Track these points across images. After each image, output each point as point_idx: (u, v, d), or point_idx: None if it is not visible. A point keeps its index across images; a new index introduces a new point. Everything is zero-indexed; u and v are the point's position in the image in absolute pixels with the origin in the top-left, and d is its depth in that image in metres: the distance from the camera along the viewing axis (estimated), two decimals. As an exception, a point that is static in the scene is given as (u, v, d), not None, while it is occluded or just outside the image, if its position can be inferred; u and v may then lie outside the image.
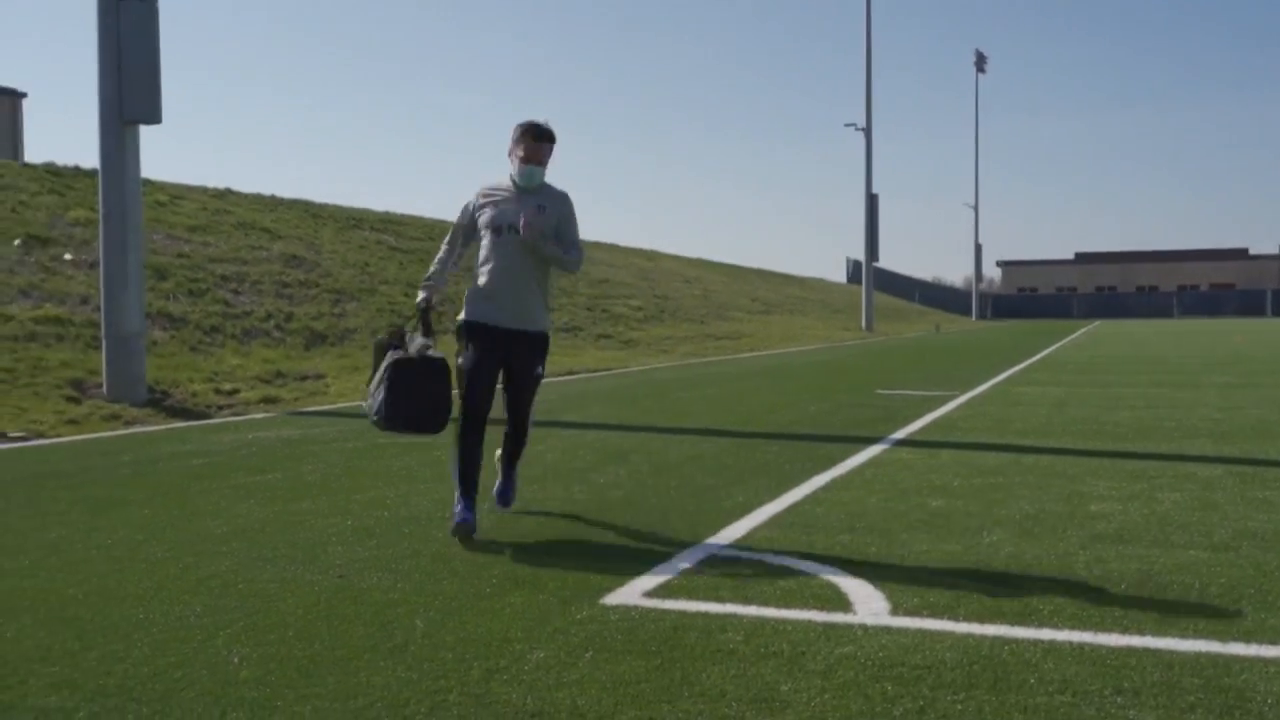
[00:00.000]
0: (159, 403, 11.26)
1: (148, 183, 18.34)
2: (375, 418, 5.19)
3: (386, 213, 28.80)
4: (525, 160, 5.11)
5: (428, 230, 27.98)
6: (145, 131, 11.62)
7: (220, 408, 11.34)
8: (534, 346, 5.33)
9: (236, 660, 3.41)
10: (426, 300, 5.34)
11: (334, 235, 23.24)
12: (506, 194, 5.17)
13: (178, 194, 21.35)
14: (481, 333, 5.20)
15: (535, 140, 5.10)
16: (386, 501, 6.05)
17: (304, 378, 13.86)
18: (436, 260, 5.46)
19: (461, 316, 5.26)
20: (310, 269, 19.86)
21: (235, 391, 12.25)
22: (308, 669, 3.35)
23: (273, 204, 24.14)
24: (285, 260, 19.69)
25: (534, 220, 5.04)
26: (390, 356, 5.14)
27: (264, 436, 9.07)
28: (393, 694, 3.14)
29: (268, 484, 6.67)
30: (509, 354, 5.25)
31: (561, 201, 5.25)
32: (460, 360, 5.21)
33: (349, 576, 4.44)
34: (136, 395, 11.24)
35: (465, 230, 5.33)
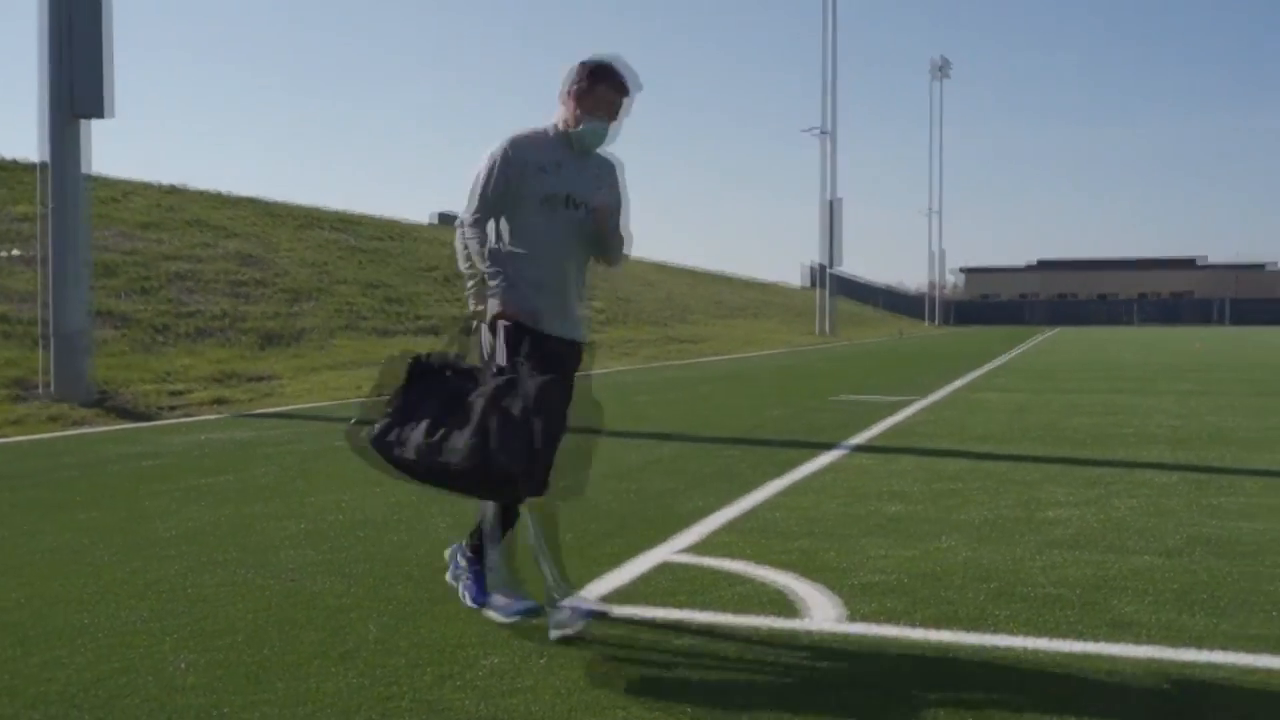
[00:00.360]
0: (106, 403, 11.06)
1: (96, 178, 18.05)
2: (427, 462, 3.57)
3: (343, 211, 28.58)
4: (593, 113, 3.79)
5: (385, 229, 27.81)
6: (94, 125, 11.42)
7: (170, 409, 11.16)
8: (578, 362, 4.04)
9: (183, 666, 3.34)
10: (517, 311, 3.74)
11: (289, 233, 23.02)
12: (559, 154, 3.83)
13: (128, 190, 21.05)
14: (532, 342, 3.76)
15: (617, 91, 3.81)
16: (340, 505, 5.96)
17: (257, 379, 13.68)
18: (475, 248, 3.82)
19: (495, 311, 3.76)
20: (265, 267, 19.64)
21: (185, 392, 12.07)
22: (256, 675, 3.28)
23: (226, 201, 23.87)
24: (239, 258, 19.46)
25: (609, 198, 3.89)
26: (487, 382, 3.57)
27: (215, 438, 8.93)
28: (343, 701, 3.08)
29: (218, 486, 6.55)
30: (559, 370, 3.79)
31: (616, 171, 4.03)
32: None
33: (300, 581, 4.36)
34: (83, 395, 11.03)
35: (506, 198, 3.80)
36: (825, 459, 7.66)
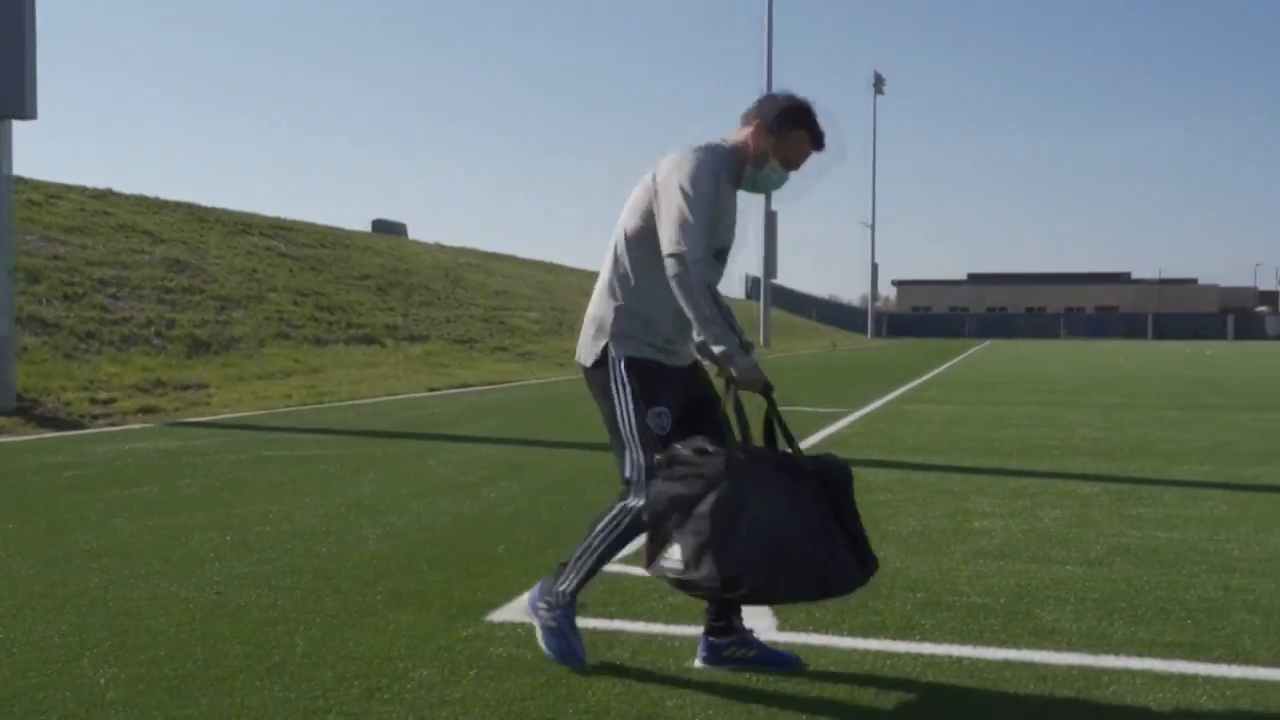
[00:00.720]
0: (28, 411, 10.78)
1: (20, 180, 17.61)
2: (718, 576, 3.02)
3: (276, 218, 28.17)
4: (784, 158, 3.37)
5: (319, 236, 27.47)
6: (17, 126, 11.15)
7: (95, 417, 10.90)
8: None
9: (103, 681, 3.26)
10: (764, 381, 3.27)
11: (220, 240, 22.63)
12: (731, 195, 3.42)
13: (53, 193, 20.54)
14: (671, 378, 3.36)
15: (814, 145, 3.38)
16: (269, 516, 5.87)
17: (185, 387, 13.43)
18: (708, 298, 3.18)
19: (631, 353, 3.33)
20: (194, 274, 19.30)
21: (111, 401, 11.80)
22: (179, 689, 3.22)
23: (156, 206, 23.40)
24: (168, 265, 19.09)
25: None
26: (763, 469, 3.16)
27: (141, 448, 8.75)
28: (268, 714, 3.04)
29: (143, 497, 6.42)
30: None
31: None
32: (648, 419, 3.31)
33: (226, 593, 4.29)
34: (4, 403, 10.74)
35: None
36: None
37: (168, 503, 6.24)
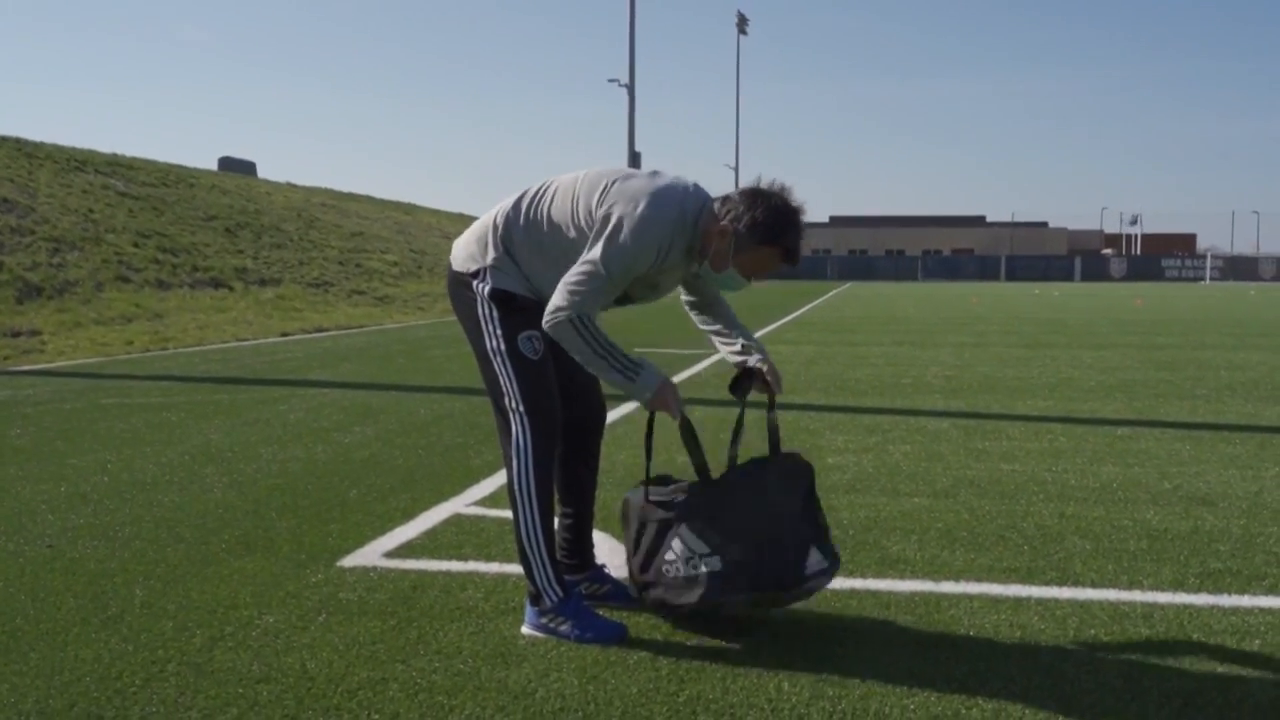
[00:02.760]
0: None
1: None
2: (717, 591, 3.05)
3: (114, 154, 26.73)
4: (743, 269, 3.07)
5: (161, 175, 26.20)
6: None
7: (-84, 365, 10.21)
8: None
9: (-82, 642, 3.06)
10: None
11: (52, 178, 21.34)
12: (674, 268, 3.14)
13: None
14: (535, 310, 3.12)
15: (785, 262, 3.08)
16: (107, 466, 5.60)
17: (15, 334, 12.69)
18: (586, 340, 3.02)
19: (501, 285, 3.15)
20: (24, 214, 18.17)
21: (-65, 348, 11.07)
22: (6, 646, 3.06)
23: (-19, 142, 21.92)
24: (-4, 204, 17.94)
25: None
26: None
27: (-33, 396, 8.23)
28: (104, 666, 2.91)
29: (-32, 448, 6.04)
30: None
31: None
32: (518, 343, 3.14)
33: (59, 546, 4.08)
34: None
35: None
36: (620, 411, 7.73)
37: (-5, 454, 5.89)
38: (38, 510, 4.64)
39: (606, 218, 2.98)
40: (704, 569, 3.04)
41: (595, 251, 2.96)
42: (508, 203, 3.22)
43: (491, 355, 3.14)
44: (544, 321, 3.01)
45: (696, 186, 3.12)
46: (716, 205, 3.06)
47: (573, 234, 3.06)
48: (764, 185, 3.07)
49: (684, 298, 3.46)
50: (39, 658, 2.98)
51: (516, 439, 3.12)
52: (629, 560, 3.23)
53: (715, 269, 3.07)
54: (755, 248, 3.01)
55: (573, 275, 2.98)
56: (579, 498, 3.40)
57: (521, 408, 3.11)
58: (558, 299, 2.98)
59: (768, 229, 2.99)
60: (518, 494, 3.12)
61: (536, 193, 3.19)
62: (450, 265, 3.29)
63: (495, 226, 3.18)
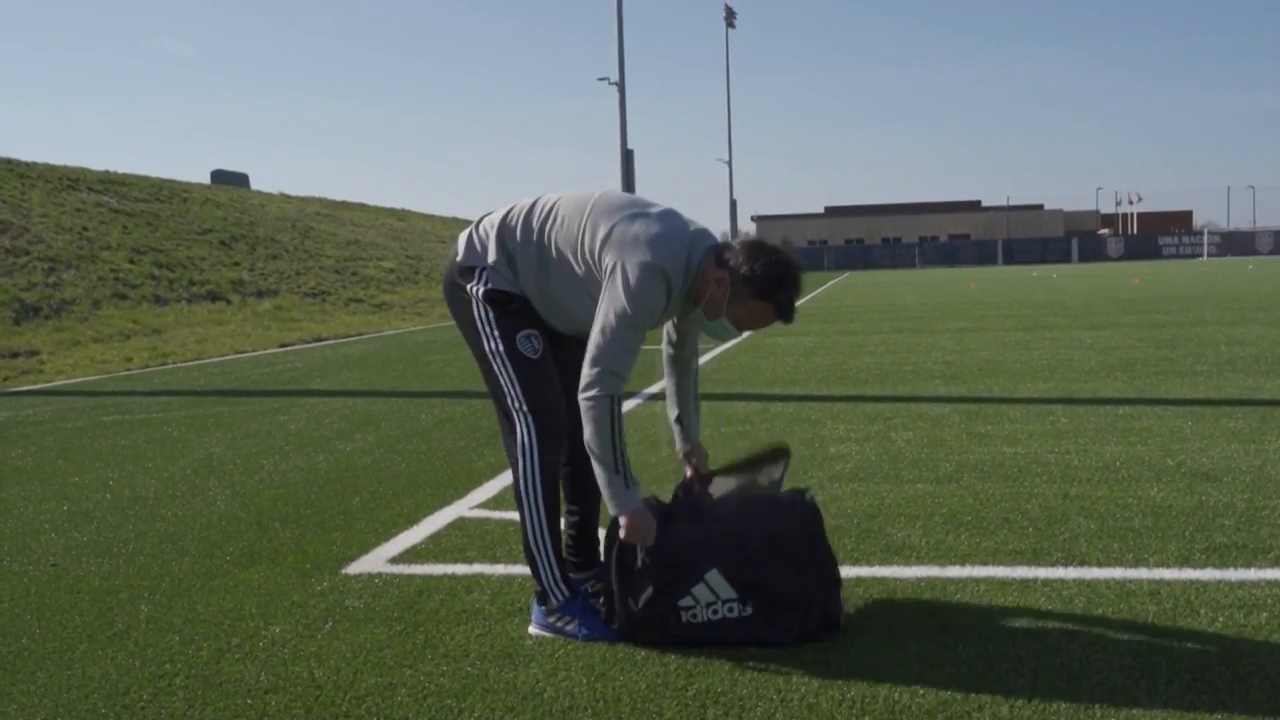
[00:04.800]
0: None
1: None
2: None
3: (107, 171, 26.72)
4: (737, 320, 3.05)
5: (154, 190, 26.19)
6: None
7: (-84, 390, 10.21)
8: None
9: (-76, 664, 3.06)
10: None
11: (45, 197, 21.34)
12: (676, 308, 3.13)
13: None
14: (531, 311, 3.18)
15: (780, 320, 3.05)
16: (109, 483, 5.60)
17: (13, 355, 12.69)
18: (611, 438, 2.99)
19: (497, 286, 3.12)
20: (18, 235, 18.17)
21: (-66, 371, 11.07)
22: (13, 665, 3.05)
23: (-28, 164, 21.91)
24: (-9, 226, 17.93)
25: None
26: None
27: (-32, 419, 8.23)
28: (111, 683, 2.90)
29: (-30, 470, 6.04)
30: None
31: None
32: (517, 343, 3.13)
33: (63, 564, 4.08)
34: None
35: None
36: (623, 407, 7.74)
37: (-3, 474, 5.89)
38: (41, 529, 4.64)
39: (615, 268, 2.92)
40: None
41: (615, 308, 2.90)
42: (518, 211, 3.17)
43: (490, 357, 3.13)
44: (584, 400, 2.93)
45: (701, 230, 3.10)
46: (717, 253, 3.03)
47: (580, 270, 3.04)
48: (767, 240, 3.05)
49: (666, 349, 3.38)
50: (46, 676, 2.98)
51: (522, 439, 3.10)
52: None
53: (708, 316, 3.05)
54: (750, 300, 2.98)
55: (603, 342, 2.91)
56: (584, 496, 3.39)
57: (525, 408, 3.10)
58: (594, 372, 2.91)
59: (765, 283, 2.96)
60: (524, 494, 3.11)
61: (547, 213, 3.13)
62: (454, 255, 3.21)
63: (503, 233, 3.14)
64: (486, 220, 3.22)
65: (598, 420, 2.92)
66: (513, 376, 3.10)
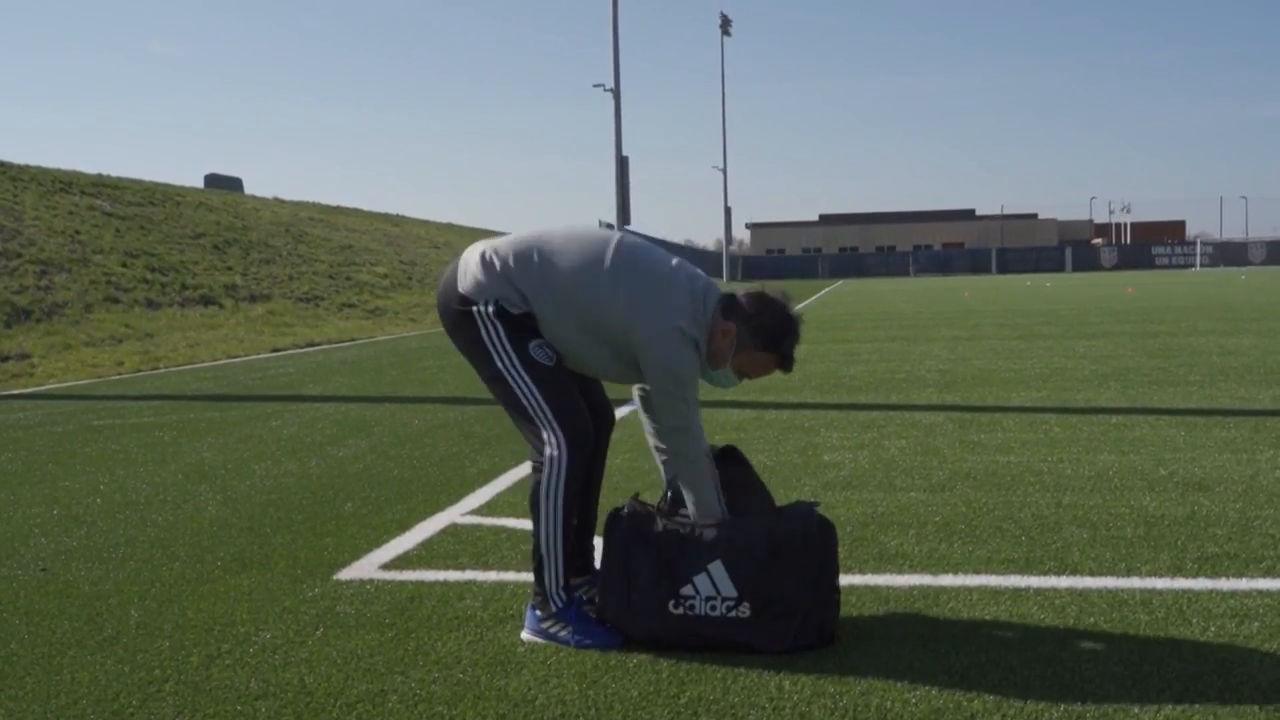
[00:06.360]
0: None
1: None
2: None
3: (100, 175, 26.67)
4: (740, 368, 3.18)
5: (147, 194, 26.14)
6: None
7: (-94, 393, 10.17)
8: None
9: (-88, 669, 3.04)
10: None
11: (37, 200, 21.27)
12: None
13: None
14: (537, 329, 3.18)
15: (780, 369, 3.19)
16: (100, 487, 5.58)
17: (4, 358, 12.64)
18: (711, 488, 3.15)
19: (502, 306, 3.12)
20: (9, 237, 18.12)
21: (-75, 374, 11.03)
22: (1, 671, 3.05)
23: (-36, 166, 21.85)
24: (-17, 229, 17.88)
25: None
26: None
27: (-42, 422, 8.19)
28: (100, 688, 2.88)
29: (-40, 473, 6.01)
30: None
31: None
32: (530, 352, 3.14)
33: (53, 569, 4.06)
34: None
35: None
36: (616, 414, 7.73)
37: (-13, 478, 5.86)
38: (30, 533, 4.62)
39: (650, 343, 3.02)
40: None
41: (666, 380, 3.03)
42: (518, 249, 3.12)
43: (506, 373, 3.10)
44: (680, 461, 3.10)
45: (708, 283, 3.17)
46: (723, 305, 3.13)
47: (597, 321, 3.08)
48: (769, 292, 3.17)
49: (650, 440, 3.43)
50: (35, 682, 2.96)
51: (552, 450, 3.08)
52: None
53: (712, 366, 3.15)
54: (755, 351, 3.11)
55: (669, 407, 3.06)
56: (586, 500, 3.38)
57: (551, 417, 3.08)
58: (671, 415, 3.06)
59: (771, 335, 3.10)
60: (545, 499, 3.10)
61: (557, 259, 3.09)
62: (453, 286, 3.15)
63: (509, 274, 3.09)
64: (488, 253, 3.14)
65: (690, 470, 3.09)
66: (533, 389, 3.09)
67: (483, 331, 3.10)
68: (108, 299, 17.25)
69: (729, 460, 3.26)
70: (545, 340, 3.12)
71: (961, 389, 8.79)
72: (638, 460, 5.77)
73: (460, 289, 3.14)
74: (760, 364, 3.15)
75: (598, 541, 3.33)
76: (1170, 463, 5.44)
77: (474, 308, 3.10)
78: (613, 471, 5.60)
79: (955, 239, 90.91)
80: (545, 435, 3.09)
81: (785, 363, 3.15)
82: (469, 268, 3.16)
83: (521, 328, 3.11)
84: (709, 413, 7.59)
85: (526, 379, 3.09)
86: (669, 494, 3.28)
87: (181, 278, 19.98)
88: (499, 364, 3.10)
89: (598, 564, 3.50)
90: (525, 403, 3.10)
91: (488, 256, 3.15)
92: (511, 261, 3.12)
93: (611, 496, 4.77)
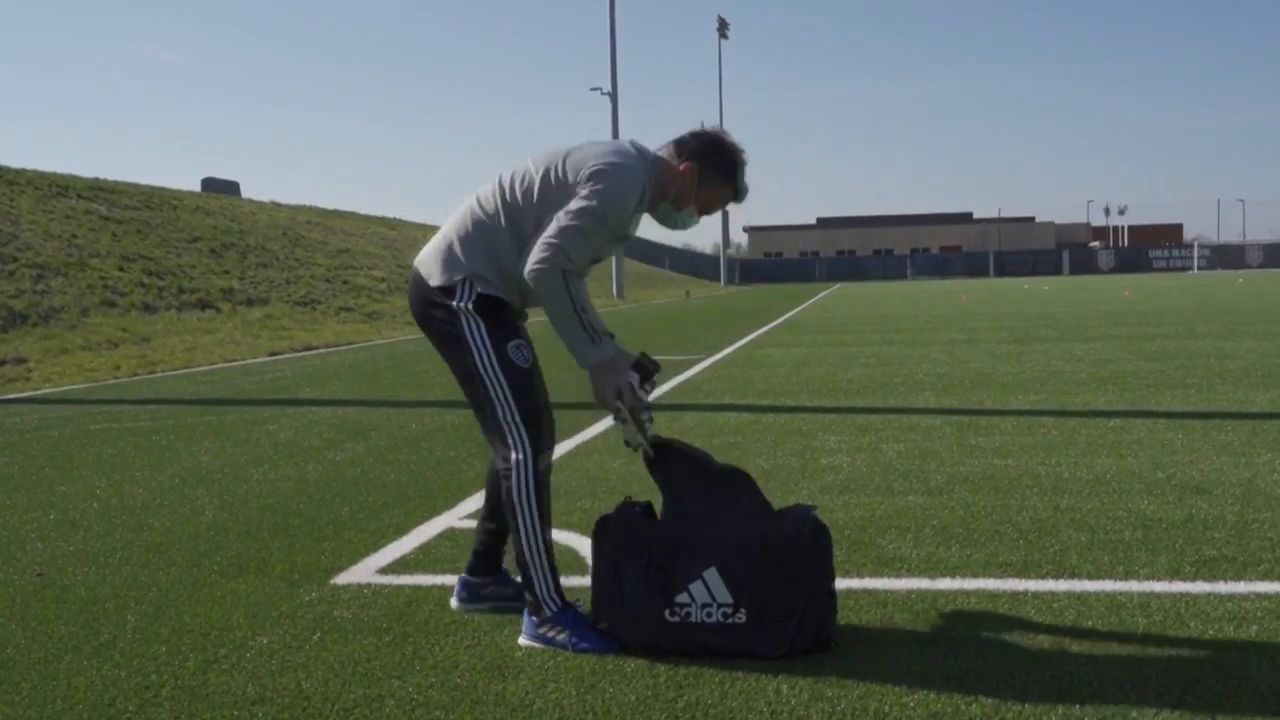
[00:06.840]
0: None
1: None
2: None
3: (96, 179, 26.65)
4: (703, 205, 3.26)
5: (144, 197, 26.13)
6: None
7: (-98, 397, 10.15)
8: None
9: (-92, 675, 3.03)
10: None
11: (34, 204, 21.26)
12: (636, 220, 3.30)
13: None
14: (518, 320, 3.31)
15: (734, 199, 3.31)
16: (96, 492, 5.57)
17: (1, 362, 12.62)
18: (567, 297, 3.08)
19: (481, 293, 3.14)
20: (6, 241, 18.11)
21: (-79, 379, 11.01)
22: (-5, 677, 3.02)
23: (-39, 171, 21.83)
24: (-21, 233, 17.86)
25: None
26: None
27: (-45, 426, 8.18)
28: (97, 694, 2.88)
29: (-44, 478, 6.00)
30: None
31: None
32: (509, 353, 3.17)
33: (49, 574, 4.05)
34: None
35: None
36: (610, 420, 7.72)
37: (-17, 483, 5.85)
38: (27, 538, 4.61)
39: (593, 173, 3.04)
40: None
41: (584, 199, 3.02)
42: (478, 204, 3.19)
43: (482, 371, 3.11)
44: (530, 269, 3.01)
45: (634, 141, 3.24)
46: (676, 147, 3.21)
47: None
48: (707, 128, 3.26)
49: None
50: (30, 687, 2.95)
51: (516, 452, 3.10)
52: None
53: (677, 206, 3.21)
54: (715, 186, 3.22)
55: (562, 217, 3.01)
56: (499, 502, 3.34)
57: (518, 418, 3.11)
58: (547, 242, 2.99)
59: (727, 168, 3.22)
60: (519, 505, 3.10)
61: (516, 183, 3.16)
62: (423, 281, 3.19)
63: (470, 226, 3.16)
64: (450, 228, 3.20)
65: (551, 287, 3.01)
66: (505, 390, 3.11)
67: (464, 325, 3.13)
68: (104, 303, 17.23)
69: (667, 458, 3.21)
70: (522, 340, 3.17)
71: (959, 392, 8.79)
72: (634, 464, 5.76)
73: (431, 283, 3.17)
74: (717, 198, 3.25)
75: (585, 547, 3.32)
76: (1168, 466, 5.44)
77: (453, 302, 3.12)
78: (609, 475, 5.60)
79: (952, 242, 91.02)
80: (510, 439, 3.12)
81: (738, 195, 3.27)
82: (434, 259, 3.19)
83: (501, 323, 3.14)
84: (706, 417, 7.60)
85: (501, 378, 3.11)
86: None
87: (178, 281, 19.97)
88: (478, 361, 3.13)
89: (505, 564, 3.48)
90: (495, 402, 3.12)
91: (453, 227, 3.21)
92: (470, 224, 3.16)
93: (608, 500, 4.78)
